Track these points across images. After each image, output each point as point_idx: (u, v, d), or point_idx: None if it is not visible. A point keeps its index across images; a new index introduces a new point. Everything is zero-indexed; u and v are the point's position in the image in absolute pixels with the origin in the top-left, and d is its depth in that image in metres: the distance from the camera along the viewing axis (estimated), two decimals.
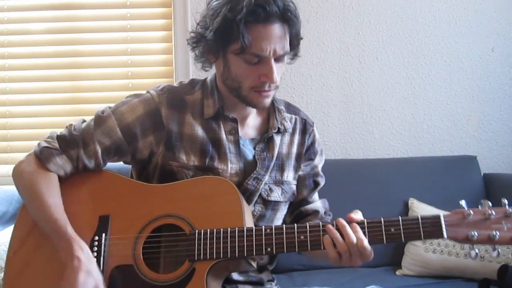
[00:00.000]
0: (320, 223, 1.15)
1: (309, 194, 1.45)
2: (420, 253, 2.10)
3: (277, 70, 1.21)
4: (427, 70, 2.62)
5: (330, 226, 1.13)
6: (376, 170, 2.40)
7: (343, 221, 1.13)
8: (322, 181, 1.48)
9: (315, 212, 1.44)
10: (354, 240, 1.10)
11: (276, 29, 1.19)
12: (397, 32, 2.61)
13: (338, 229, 1.12)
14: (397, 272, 2.12)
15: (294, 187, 1.41)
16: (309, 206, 1.44)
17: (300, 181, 1.43)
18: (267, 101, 1.26)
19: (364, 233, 1.11)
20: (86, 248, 1.17)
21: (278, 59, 1.22)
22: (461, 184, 2.36)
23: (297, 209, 1.44)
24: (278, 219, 1.40)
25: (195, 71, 2.54)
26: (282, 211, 1.40)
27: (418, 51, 2.62)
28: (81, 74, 2.60)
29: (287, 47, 1.23)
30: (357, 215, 1.16)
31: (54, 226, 1.19)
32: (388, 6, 2.60)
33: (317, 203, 1.46)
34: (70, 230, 1.18)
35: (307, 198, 1.45)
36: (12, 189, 2.10)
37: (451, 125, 2.63)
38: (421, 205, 2.26)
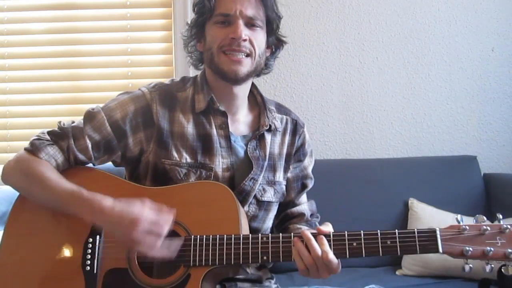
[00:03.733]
0: (292, 234, 1.14)
1: (296, 196, 1.45)
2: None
3: (250, 35, 1.25)
4: (427, 70, 2.62)
5: (296, 238, 1.12)
6: (376, 170, 2.40)
7: (308, 234, 1.11)
8: (310, 183, 1.48)
9: (301, 215, 1.44)
10: (319, 253, 1.09)
11: None
12: (397, 32, 2.61)
13: (304, 241, 1.11)
14: (397, 272, 2.12)
15: (284, 187, 1.42)
16: (295, 209, 1.44)
17: (288, 183, 1.43)
18: (240, 68, 1.25)
19: (359, 244, 1.10)
20: (106, 198, 1.15)
21: (250, 23, 1.26)
22: (461, 184, 2.36)
23: (284, 211, 1.44)
24: (270, 219, 1.40)
25: (195, 71, 2.53)
26: (274, 211, 1.40)
27: (418, 51, 2.61)
28: (81, 74, 2.60)
29: (258, 14, 1.26)
30: (327, 228, 1.16)
31: (68, 195, 1.16)
32: (388, 6, 2.60)
33: (304, 205, 1.46)
34: (84, 191, 1.16)
35: (294, 200, 1.45)
36: (12, 189, 2.10)
37: (451, 125, 2.63)
38: (421, 205, 2.26)
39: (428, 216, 2.23)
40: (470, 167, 2.43)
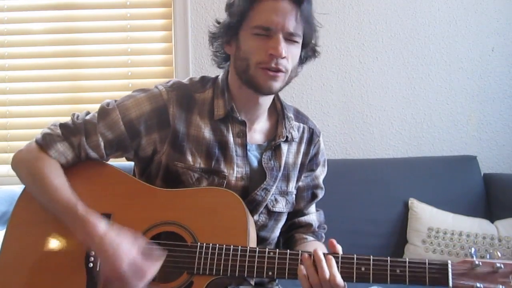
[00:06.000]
0: (304, 252, 1.12)
1: (305, 206, 1.42)
2: (420, 253, 2.09)
3: (288, 51, 1.20)
4: (427, 70, 2.62)
5: (306, 255, 1.10)
6: (376, 170, 2.40)
7: (320, 255, 1.09)
8: (321, 193, 1.45)
9: (308, 225, 1.41)
10: (327, 275, 1.06)
11: (286, 5, 1.19)
12: (397, 32, 2.61)
13: (314, 261, 1.09)
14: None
15: (295, 197, 1.39)
16: (303, 218, 1.42)
17: (298, 191, 1.40)
18: (274, 84, 1.21)
19: (368, 269, 1.08)
20: (101, 222, 1.13)
21: (288, 39, 1.20)
22: (461, 184, 2.36)
23: (291, 220, 1.42)
24: (278, 229, 1.39)
25: (195, 71, 2.54)
26: (283, 221, 1.39)
27: (418, 51, 2.61)
28: (81, 74, 2.60)
29: (298, 29, 1.22)
30: (338, 246, 1.14)
31: (64, 207, 1.16)
32: (388, 6, 2.60)
33: (312, 215, 1.43)
34: (80, 208, 1.14)
35: (303, 210, 1.42)
36: (12, 189, 2.10)
37: (451, 125, 2.63)
38: (421, 205, 2.26)
39: (428, 216, 2.23)
40: (470, 167, 2.43)
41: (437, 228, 2.19)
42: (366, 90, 2.61)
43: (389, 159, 2.55)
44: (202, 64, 2.54)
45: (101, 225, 1.13)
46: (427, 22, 2.61)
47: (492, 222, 2.23)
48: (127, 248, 1.09)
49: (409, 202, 2.29)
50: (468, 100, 2.63)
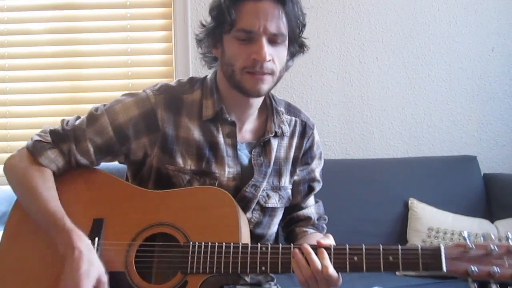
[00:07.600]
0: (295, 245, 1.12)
1: (303, 200, 1.41)
2: None
3: (273, 53, 1.17)
4: (427, 70, 2.62)
5: (297, 250, 1.10)
6: (376, 170, 2.41)
7: (308, 248, 1.09)
8: (317, 186, 1.43)
9: (307, 218, 1.40)
10: (319, 267, 1.07)
11: (267, 5, 1.15)
12: (397, 32, 2.61)
13: (303, 254, 1.09)
14: (397, 272, 2.12)
15: (290, 191, 1.38)
16: (302, 212, 1.41)
17: (294, 186, 1.39)
18: (262, 87, 1.19)
19: (361, 258, 1.08)
20: (85, 239, 1.13)
21: (272, 40, 1.17)
22: (461, 184, 2.37)
23: (290, 214, 1.41)
24: (275, 225, 1.38)
25: (195, 71, 2.54)
26: (279, 216, 1.37)
27: (418, 51, 2.62)
28: (81, 74, 2.60)
29: (282, 29, 1.17)
30: (328, 240, 1.13)
31: (51, 219, 1.15)
32: (388, 6, 2.60)
33: (310, 208, 1.42)
34: (68, 221, 1.14)
35: (300, 204, 1.41)
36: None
37: (451, 125, 2.63)
38: (421, 205, 2.27)
39: (428, 216, 2.23)
40: (470, 167, 2.44)
41: (437, 228, 2.19)
42: (366, 90, 2.61)
43: (389, 159, 2.55)
44: (202, 64, 2.54)
45: (84, 243, 1.12)
46: (427, 22, 2.61)
47: (492, 222, 2.24)
48: (95, 273, 1.09)
49: (409, 202, 2.29)
50: (468, 100, 2.64)
